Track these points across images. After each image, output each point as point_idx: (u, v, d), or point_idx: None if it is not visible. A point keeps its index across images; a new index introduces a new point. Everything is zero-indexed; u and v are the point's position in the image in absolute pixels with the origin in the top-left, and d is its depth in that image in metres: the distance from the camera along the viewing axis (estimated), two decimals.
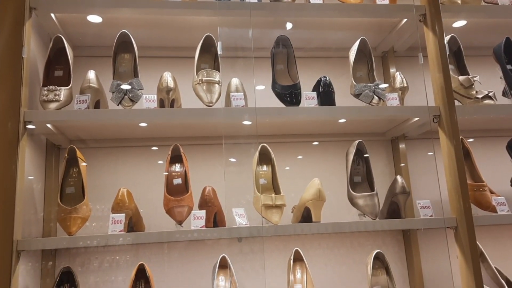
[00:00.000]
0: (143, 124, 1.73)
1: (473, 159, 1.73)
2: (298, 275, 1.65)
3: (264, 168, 1.70)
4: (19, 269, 1.36)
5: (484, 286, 1.60)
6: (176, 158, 1.64)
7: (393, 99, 1.67)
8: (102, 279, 1.73)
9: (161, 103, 1.65)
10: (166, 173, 1.59)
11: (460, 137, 1.62)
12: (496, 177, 1.89)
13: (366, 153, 1.68)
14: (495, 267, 1.69)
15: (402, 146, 1.98)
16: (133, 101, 1.53)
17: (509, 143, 1.81)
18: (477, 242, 1.67)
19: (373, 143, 2.00)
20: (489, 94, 1.71)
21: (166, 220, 1.56)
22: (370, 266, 1.63)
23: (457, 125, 1.57)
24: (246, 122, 1.70)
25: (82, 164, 1.53)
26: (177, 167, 1.64)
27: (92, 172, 1.79)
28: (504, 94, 1.82)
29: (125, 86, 1.52)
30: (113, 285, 1.72)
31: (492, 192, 1.71)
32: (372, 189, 1.63)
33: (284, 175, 1.75)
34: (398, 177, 1.68)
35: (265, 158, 1.70)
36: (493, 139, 2.04)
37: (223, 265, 1.63)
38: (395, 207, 1.67)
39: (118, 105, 1.53)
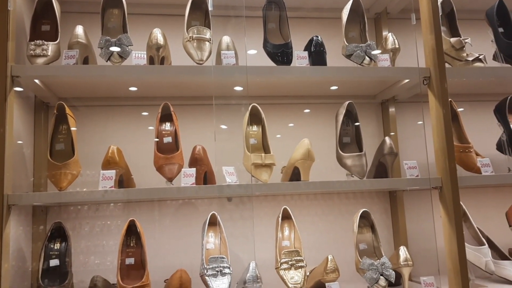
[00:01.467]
0: (133, 89, 1.72)
1: (460, 122, 1.76)
2: (286, 232, 1.69)
3: (255, 128, 1.71)
4: (10, 224, 1.37)
5: (466, 244, 1.66)
6: (166, 116, 1.64)
7: (384, 60, 1.67)
8: (93, 241, 1.76)
9: (151, 61, 1.63)
10: (156, 135, 1.59)
11: (449, 99, 1.63)
12: (483, 140, 1.93)
13: (356, 114, 1.69)
14: (477, 227, 1.74)
15: (392, 109, 1.99)
16: (122, 57, 1.51)
17: (497, 106, 1.83)
18: (461, 203, 1.72)
19: (363, 106, 2.01)
20: (480, 57, 1.71)
21: (156, 179, 1.57)
22: (356, 224, 1.67)
23: (446, 87, 1.58)
24: (238, 88, 1.69)
25: (71, 120, 1.52)
26: (167, 126, 1.64)
27: (82, 131, 1.78)
28: (495, 57, 1.83)
29: (114, 48, 1.49)
30: (106, 242, 1.75)
31: (477, 154, 1.75)
32: (361, 150, 1.65)
33: (274, 138, 1.76)
34: (387, 138, 1.70)
35: (255, 118, 1.70)
36: (482, 103, 2.07)
37: (213, 222, 1.66)
38: (383, 167, 1.70)
39: (107, 61, 1.51)
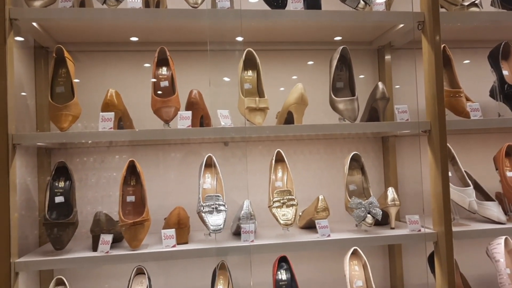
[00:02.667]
0: (134, 39, 1.74)
1: (453, 67, 1.78)
2: (279, 174, 1.76)
3: (250, 73, 1.74)
4: (15, 163, 1.45)
5: (453, 186, 1.73)
6: (162, 61, 1.67)
7: (379, 5, 1.67)
8: (95, 181, 1.85)
9: (146, 4, 1.64)
10: (154, 79, 1.62)
11: (443, 45, 1.65)
12: (477, 87, 1.96)
13: (350, 59, 1.71)
14: (464, 171, 1.81)
15: (387, 57, 2.01)
16: (118, 0, 1.52)
17: (491, 52, 1.84)
18: (450, 147, 1.78)
19: (359, 53, 2.02)
20: (475, 2, 1.70)
21: (154, 123, 1.63)
22: (346, 166, 1.74)
23: (439, 31, 1.59)
24: (239, 39, 1.71)
25: (70, 64, 1.56)
26: (163, 70, 1.67)
27: (80, 75, 1.83)
28: (492, 3, 1.82)
29: None
30: (106, 182, 1.84)
31: (468, 100, 1.78)
32: (353, 94, 1.69)
33: (277, 91, 1.77)
34: (379, 84, 1.73)
35: (250, 63, 1.73)
36: (477, 50, 2.07)
37: (209, 164, 1.73)
38: (375, 112, 1.75)
39: (102, 5, 1.53)
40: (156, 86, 1.63)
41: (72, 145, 1.82)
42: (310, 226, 1.78)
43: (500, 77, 1.78)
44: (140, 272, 1.66)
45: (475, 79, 2.01)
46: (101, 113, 1.52)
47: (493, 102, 1.86)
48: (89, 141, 1.75)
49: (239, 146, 1.93)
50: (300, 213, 1.84)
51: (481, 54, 1.96)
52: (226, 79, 1.87)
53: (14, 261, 1.40)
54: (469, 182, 1.73)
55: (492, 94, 1.85)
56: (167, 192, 1.87)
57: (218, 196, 1.60)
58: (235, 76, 1.73)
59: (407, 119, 1.65)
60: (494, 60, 1.80)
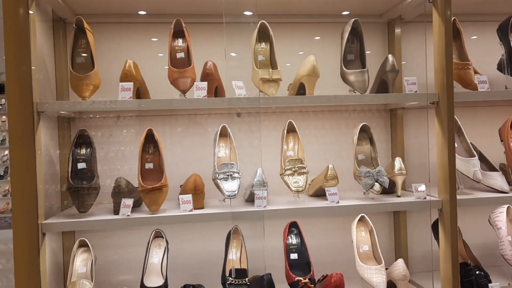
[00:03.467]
0: (142, 13, 1.78)
1: (462, 40, 1.81)
2: (291, 144, 1.83)
3: (263, 45, 1.78)
4: (40, 131, 1.52)
5: (459, 156, 1.79)
6: (178, 33, 1.71)
7: None
8: (114, 149, 1.92)
9: None
10: (169, 50, 1.67)
11: (453, 18, 1.67)
12: (485, 61, 1.99)
13: (361, 31, 1.74)
14: (470, 142, 1.86)
15: (397, 30, 2.04)
16: None
17: (500, 25, 1.87)
18: (456, 118, 1.83)
19: (369, 26, 2.05)
20: None
21: (170, 94, 1.69)
22: (356, 136, 1.79)
23: (450, 4, 1.62)
24: (247, 13, 1.74)
25: (90, 35, 1.60)
26: (179, 42, 1.72)
27: (98, 47, 1.87)
28: None
29: None
30: (126, 149, 1.91)
31: (476, 72, 1.82)
32: (364, 66, 1.73)
33: (284, 67, 1.81)
34: (389, 56, 1.77)
35: (264, 35, 1.77)
36: (486, 24, 2.09)
37: (224, 134, 1.80)
38: (384, 84, 1.79)
39: None
40: (172, 58, 1.68)
41: (91, 115, 1.88)
42: (319, 194, 1.85)
43: (508, 50, 1.82)
44: (158, 235, 1.75)
45: (484, 53, 2.04)
46: (120, 83, 1.57)
47: (501, 76, 1.89)
48: (109, 110, 1.81)
49: (252, 116, 1.99)
50: (310, 182, 1.91)
51: (490, 28, 1.98)
52: (233, 54, 1.91)
53: (41, 222, 1.48)
54: (474, 152, 1.79)
55: (500, 67, 1.89)
56: (182, 161, 1.94)
57: (233, 164, 1.67)
58: (248, 48, 1.77)
59: (416, 91, 1.70)
60: (503, 33, 1.83)
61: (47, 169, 1.65)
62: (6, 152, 9.17)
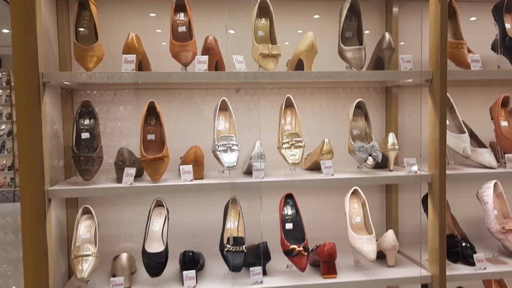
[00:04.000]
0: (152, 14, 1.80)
1: (457, 19, 1.85)
2: (288, 119, 1.88)
3: (263, 21, 1.82)
4: (46, 100, 1.56)
5: (450, 133, 1.85)
6: (180, 7, 1.75)
7: None
8: (116, 122, 1.96)
9: None
10: (171, 24, 1.70)
11: None
12: (480, 40, 2.03)
13: (359, 9, 1.78)
14: (461, 120, 1.92)
15: (395, 9, 2.07)
16: None
17: (496, 5, 1.91)
18: (449, 96, 1.89)
19: (368, 4, 2.08)
20: None
21: (169, 69, 1.73)
22: (351, 112, 1.85)
23: None
24: None
25: (93, 7, 1.63)
26: (181, 16, 1.75)
27: (100, 20, 1.89)
28: None
29: None
30: (127, 122, 1.96)
31: (469, 51, 1.87)
32: (361, 44, 1.77)
33: (282, 45, 1.84)
34: (386, 34, 1.81)
35: (264, 11, 1.80)
36: (482, 4, 2.13)
37: (223, 108, 1.85)
38: (380, 62, 1.84)
39: None
40: (173, 32, 1.71)
41: (93, 87, 1.92)
42: (315, 168, 1.92)
43: (502, 30, 1.86)
44: (159, 204, 1.82)
45: (479, 33, 2.08)
46: (123, 55, 1.61)
47: (494, 56, 1.94)
48: (112, 82, 1.84)
49: (251, 91, 2.03)
50: (306, 157, 1.97)
51: (487, 8, 2.02)
52: (231, 31, 1.94)
53: (48, 189, 1.54)
54: (465, 129, 1.86)
55: (494, 47, 1.93)
56: (182, 134, 1.99)
57: (232, 136, 1.73)
58: (248, 24, 1.80)
59: (411, 69, 1.75)
60: (498, 13, 1.87)
61: (51, 138, 1.69)
62: (3, 126, 9.18)
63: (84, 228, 1.73)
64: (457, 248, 1.83)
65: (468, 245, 1.88)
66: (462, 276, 1.79)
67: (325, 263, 1.77)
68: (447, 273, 1.75)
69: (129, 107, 1.98)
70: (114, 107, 1.97)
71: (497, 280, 2.03)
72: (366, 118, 1.88)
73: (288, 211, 1.89)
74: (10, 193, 9.11)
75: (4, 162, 9.17)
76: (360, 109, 1.89)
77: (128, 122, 1.98)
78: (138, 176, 1.80)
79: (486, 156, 1.86)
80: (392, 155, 1.84)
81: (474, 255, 1.81)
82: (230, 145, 1.70)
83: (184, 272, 1.67)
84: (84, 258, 1.59)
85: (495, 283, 2.02)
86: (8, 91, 9.01)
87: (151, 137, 1.72)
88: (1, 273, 5.43)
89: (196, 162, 1.72)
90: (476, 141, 1.99)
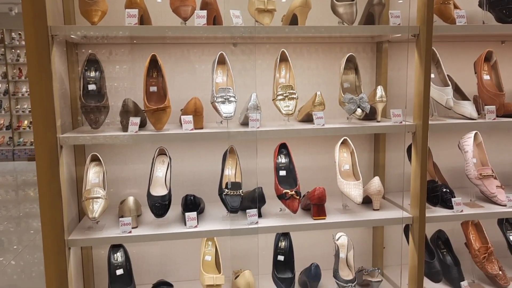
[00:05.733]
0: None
1: None
2: (283, 72, 1.99)
3: None
4: (54, 53, 1.65)
5: (434, 85, 1.96)
6: None
7: None
8: (119, 74, 2.06)
9: None
10: None
11: None
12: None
13: None
14: (447, 74, 2.03)
15: None
16: None
17: None
18: (435, 51, 1.99)
19: None
20: None
21: (172, 22, 1.81)
22: (342, 65, 1.96)
23: None
24: None
25: None
26: None
27: None
28: None
29: None
30: (129, 75, 2.06)
31: (456, 7, 1.95)
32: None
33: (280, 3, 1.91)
34: None
35: None
36: None
37: (221, 61, 1.94)
38: (371, 17, 1.92)
39: None
40: None
41: (97, 40, 2.00)
42: (307, 120, 2.04)
43: None
44: (162, 152, 1.95)
45: None
46: (126, 10, 1.69)
47: (481, 13, 2.03)
48: (115, 35, 1.92)
49: (247, 47, 2.12)
50: (299, 109, 2.09)
51: None
52: None
53: (59, 136, 1.66)
54: (449, 82, 1.97)
55: (481, 3, 2.02)
56: (181, 88, 2.10)
57: (229, 88, 1.84)
58: None
59: (399, 24, 1.84)
60: None
61: (59, 90, 1.80)
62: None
63: (93, 174, 1.86)
64: (437, 193, 1.99)
65: (448, 190, 2.04)
66: (440, 217, 1.96)
67: (315, 206, 1.92)
68: (427, 215, 1.91)
69: (130, 61, 2.07)
70: (116, 61, 2.06)
71: (474, 223, 2.20)
72: (356, 72, 1.99)
73: (282, 159, 2.03)
74: (9, 152, 9.24)
75: (2, 122, 9.24)
76: (351, 62, 1.99)
77: (130, 76, 2.07)
78: (141, 126, 1.92)
79: (467, 107, 1.98)
80: (380, 107, 1.96)
81: (453, 199, 1.97)
82: (228, 97, 1.82)
83: (186, 214, 1.83)
84: (95, 200, 1.73)
85: (472, 226, 2.19)
86: (3, 49, 8.95)
87: (153, 89, 1.83)
88: (4, 230, 5.64)
89: (196, 113, 1.84)
90: (460, 94, 2.10)
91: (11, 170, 8.97)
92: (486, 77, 2.04)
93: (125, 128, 1.78)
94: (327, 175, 2.12)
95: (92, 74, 1.79)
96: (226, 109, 1.79)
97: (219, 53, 1.91)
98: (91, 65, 1.80)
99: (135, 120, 1.74)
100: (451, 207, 1.98)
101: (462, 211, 1.97)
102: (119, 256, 1.91)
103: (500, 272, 2.09)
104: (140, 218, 1.94)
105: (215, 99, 1.82)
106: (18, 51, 9.23)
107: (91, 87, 1.77)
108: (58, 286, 1.69)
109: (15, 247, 4.99)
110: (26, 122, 9.34)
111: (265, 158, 2.07)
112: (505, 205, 2.01)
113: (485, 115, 1.98)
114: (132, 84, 2.07)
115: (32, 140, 9.20)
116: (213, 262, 2.04)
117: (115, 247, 1.92)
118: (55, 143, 1.64)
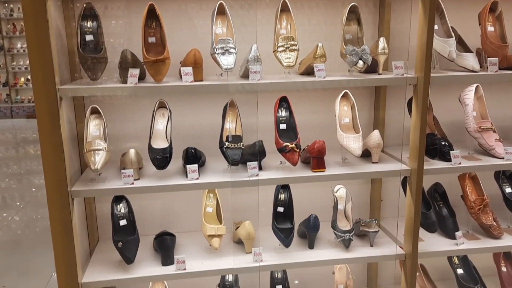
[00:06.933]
0: None
1: None
2: (284, 23, 1.95)
3: None
4: (50, 6, 1.60)
5: (437, 37, 1.93)
6: None
7: None
8: (116, 24, 2.02)
9: None
10: None
11: None
12: None
13: None
14: (450, 25, 1.99)
15: None
16: None
17: None
18: (440, 0, 1.94)
19: None
20: None
21: None
22: (344, 16, 1.92)
23: None
24: None
25: None
26: None
27: None
28: None
29: None
30: (127, 27, 2.02)
31: None
32: None
33: None
34: None
35: None
36: None
37: (221, 12, 1.90)
38: None
39: None
40: None
41: None
42: (308, 73, 2.02)
43: None
44: (162, 105, 1.95)
45: None
46: None
47: None
48: None
49: (247, 6, 2.06)
50: (300, 62, 2.06)
51: None
52: None
53: (58, 87, 1.65)
54: (452, 34, 1.94)
55: None
56: (180, 40, 2.06)
57: (229, 39, 1.81)
58: None
59: None
60: None
61: (57, 43, 1.76)
62: None
63: (93, 127, 1.87)
64: (435, 145, 2.00)
65: (447, 143, 2.06)
66: (438, 170, 1.99)
67: (315, 158, 1.94)
68: (425, 167, 1.93)
69: (126, 16, 2.02)
70: (112, 16, 2.01)
71: (471, 176, 2.23)
72: (359, 23, 1.95)
73: (282, 113, 2.03)
74: (7, 109, 9.21)
75: None
76: (354, 13, 1.95)
77: (126, 31, 2.03)
78: (141, 79, 1.90)
79: (470, 60, 1.96)
80: (381, 59, 1.93)
81: (451, 152, 1.98)
82: (228, 48, 1.79)
83: (188, 166, 1.85)
84: (96, 151, 1.75)
85: (468, 179, 2.23)
86: None
87: (152, 39, 1.80)
88: (5, 186, 5.71)
89: (196, 65, 1.82)
90: (463, 46, 2.08)
91: (10, 127, 8.97)
92: (490, 28, 2.01)
93: (124, 80, 1.77)
94: (327, 129, 2.12)
95: (89, 24, 1.76)
96: (226, 60, 1.77)
97: (219, 2, 1.87)
98: (87, 16, 1.75)
99: (134, 72, 1.72)
100: (449, 160, 2.00)
101: (460, 163, 1.99)
102: (122, 208, 1.94)
103: (494, 223, 2.14)
104: (141, 171, 1.96)
105: (215, 50, 1.79)
106: (11, 5, 8.99)
107: (89, 37, 1.73)
108: (64, 237, 1.73)
109: (17, 203, 5.08)
110: (22, 79, 9.25)
111: (266, 112, 2.06)
112: (503, 158, 2.03)
113: (487, 67, 1.96)
114: (129, 40, 2.03)
115: (30, 97, 9.20)
116: (214, 213, 2.09)
117: (118, 199, 1.96)
118: (55, 95, 1.63)
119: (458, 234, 2.09)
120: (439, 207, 2.25)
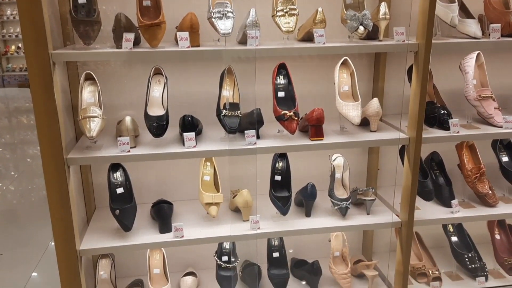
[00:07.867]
0: None
1: None
2: None
3: None
4: None
5: (440, 2, 1.89)
6: None
7: None
8: None
9: None
10: None
11: None
12: None
13: None
14: None
15: None
16: None
17: None
18: None
19: None
20: None
21: None
22: None
23: None
24: None
25: None
26: None
27: None
28: None
29: None
30: None
31: None
32: None
33: None
34: None
35: None
36: None
37: None
38: None
39: None
40: None
41: None
42: (307, 39, 1.97)
43: None
44: (157, 72, 1.91)
45: None
46: None
47: None
48: None
49: None
50: (299, 28, 2.01)
51: None
52: None
53: (51, 52, 1.60)
54: None
55: None
56: (176, 2, 1.99)
57: (227, 3, 1.75)
58: None
59: None
60: None
61: (48, 8, 1.70)
62: None
63: (88, 93, 1.83)
64: (434, 114, 1.99)
65: (446, 112, 2.04)
66: (436, 138, 1.98)
67: (313, 127, 1.92)
68: (423, 136, 1.92)
69: None
70: None
71: (468, 145, 2.23)
72: None
73: (281, 80, 1.99)
74: None
75: None
76: None
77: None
78: (135, 44, 1.85)
79: (472, 26, 1.92)
80: (382, 25, 1.89)
81: (450, 120, 1.97)
82: (225, 12, 1.73)
83: (185, 134, 1.82)
84: (91, 119, 1.71)
85: (466, 148, 2.23)
86: None
87: (146, 3, 1.74)
88: (0, 156, 5.67)
89: (192, 29, 1.77)
90: (466, 13, 2.03)
91: (2, 96, 8.84)
92: None
93: (119, 45, 1.72)
94: (326, 98, 2.10)
95: None
96: (224, 25, 1.72)
97: None
98: None
99: (129, 36, 1.67)
100: (447, 129, 1.99)
101: (458, 132, 1.98)
102: (118, 176, 1.93)
103: (490, 192, 2.16)
104: (138, 139, 1.93)
105: (212, 14, 1.74)
106: None
107: (81, 0, 1.67)
108: (61, 204, 1.72)
109: (12, 173, 5.05)
110: (13, 47, 9.05)
111: (264, 81, 2.02)
112: (501, 127, 2.03)
113: (489, 34, 1.92)
114: (123, 3, 1.96)
115: (22, 65, 9.02)
116: (212, 182, 2.08)
117: (114, 167, 1.94)
118: (48, 60, 1.58)
119: (454, 202, 2.11)
120: (435, 176, 2.26)
